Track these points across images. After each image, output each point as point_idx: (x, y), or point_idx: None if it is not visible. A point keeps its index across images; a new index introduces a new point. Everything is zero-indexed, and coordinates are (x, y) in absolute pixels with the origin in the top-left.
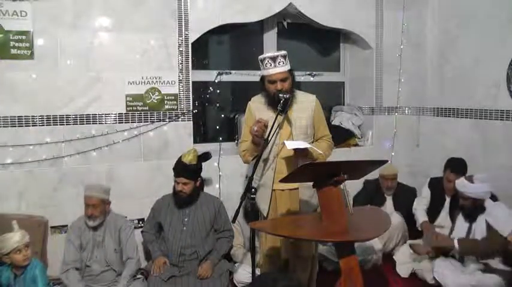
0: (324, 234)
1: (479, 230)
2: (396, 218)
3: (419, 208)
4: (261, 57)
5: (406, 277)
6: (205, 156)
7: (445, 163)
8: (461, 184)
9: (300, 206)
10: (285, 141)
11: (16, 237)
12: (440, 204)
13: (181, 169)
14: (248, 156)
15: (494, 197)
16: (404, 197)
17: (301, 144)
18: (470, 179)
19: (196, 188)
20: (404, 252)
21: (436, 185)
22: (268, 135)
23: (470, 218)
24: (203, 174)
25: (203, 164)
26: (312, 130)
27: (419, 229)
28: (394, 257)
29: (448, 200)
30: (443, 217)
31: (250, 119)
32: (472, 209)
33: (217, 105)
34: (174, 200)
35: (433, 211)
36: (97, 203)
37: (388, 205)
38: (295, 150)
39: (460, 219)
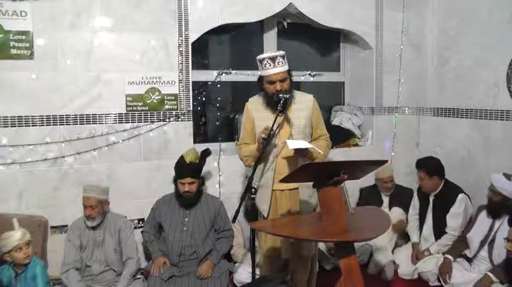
0: (324, 234)
1: (502, 231)
2: (396, 211)
3: (412, 225)
4: (259, 57)
5: (408, 279)
6: (205, 153)
7: None
8: (495, 178)
9: (300, 206)
10: (287, 141)
11: (17, 235)
12: (426, 206)
13: (185, 169)
14: (251, 161)
15: None
16: (401, 197)
17: (303, 144)
18: (507, 176)
19: (200, 187)
20: (407, 253)
21: (423, 191)
22: (269, 135)
23: (494, 215)
24: (203, 174)
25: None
26: (310, 129)
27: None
28: (396, 258)
29: (431, 201)
30: (429, 218)
31: (248, 121)
32: (499, 206)
33: (217, 105)
34: (180, 202)
35: (421, 215)
36: (95, 204)
37: (385, 205)
38: (296, 149)
39: (483, 215)
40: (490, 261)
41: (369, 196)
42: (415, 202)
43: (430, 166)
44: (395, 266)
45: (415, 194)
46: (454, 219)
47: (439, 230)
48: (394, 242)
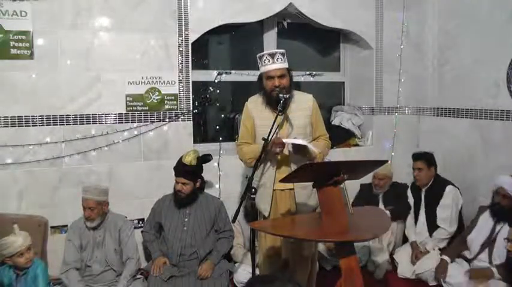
0: (324, 234)
1: (503, 233)
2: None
3: (409, 223)
4: (259, 54)
5: (407, 278)
6: (205, 158)
7: None
8: (504, 180)
9: (295, 207)
10: (283, 140)
11: (18, 241)
12: (419, 202)
13: (180, 169)
14: (253, 162)
15: None
16: (394, 193)
17: (298, 140)
18: None
19: (196, 189)
20: (406, 253)
21: (416, 186)
22: (268, 135)
23: (498, 218)
24: (203, 174)
25: (203, 164)
26: (310, 129)
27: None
28: (395, 258)
29: (423, 196)
30: (422, 214)
31: (248, 120)
32: (506, 209)
33: (217, 105)
34: (174, 199)
35: (415, 212)
36: (94, 206)
37: (380, 205)
38: (296, 149)
39: (485, 216)
40: (489, 263)
41: (366, 194)
42: (410, 200)
43: (429, 157)
44: (395, 265)
45: (409, 191)
46: (444, 211)
47: (432, 224)
48: (393, 243)
